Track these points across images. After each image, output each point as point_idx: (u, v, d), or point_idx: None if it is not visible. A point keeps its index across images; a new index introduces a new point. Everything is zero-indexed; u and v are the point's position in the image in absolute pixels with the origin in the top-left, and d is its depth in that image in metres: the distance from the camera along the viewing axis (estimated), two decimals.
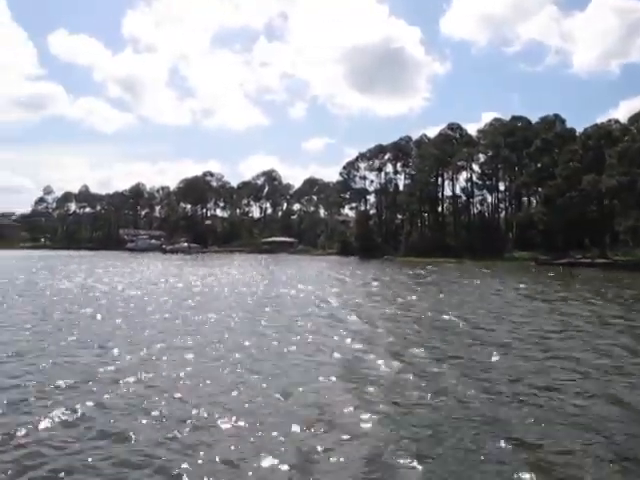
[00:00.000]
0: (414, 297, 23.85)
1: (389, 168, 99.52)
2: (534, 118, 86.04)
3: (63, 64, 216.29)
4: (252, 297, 23.40)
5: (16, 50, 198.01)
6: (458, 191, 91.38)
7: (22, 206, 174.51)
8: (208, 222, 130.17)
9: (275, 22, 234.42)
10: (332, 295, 24.35)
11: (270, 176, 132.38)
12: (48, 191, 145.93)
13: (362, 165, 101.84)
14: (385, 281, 34.61)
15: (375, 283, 32.49)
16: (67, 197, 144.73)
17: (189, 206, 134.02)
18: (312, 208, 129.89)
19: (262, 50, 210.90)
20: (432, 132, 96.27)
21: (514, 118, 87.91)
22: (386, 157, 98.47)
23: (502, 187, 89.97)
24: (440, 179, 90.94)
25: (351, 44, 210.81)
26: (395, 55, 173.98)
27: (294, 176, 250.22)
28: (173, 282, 31.14)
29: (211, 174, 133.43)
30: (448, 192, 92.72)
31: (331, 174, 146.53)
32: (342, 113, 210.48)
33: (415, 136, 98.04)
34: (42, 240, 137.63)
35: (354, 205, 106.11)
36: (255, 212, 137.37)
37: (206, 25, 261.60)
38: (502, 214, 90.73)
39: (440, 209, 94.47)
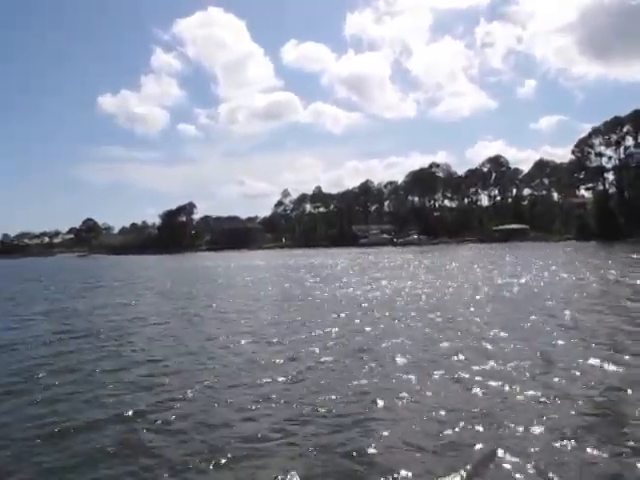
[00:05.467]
0: None
1: (629, 141, 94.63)
2: None
3: (294, 73, 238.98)
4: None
5: (255, 67, 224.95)
6: None
7: (264, 210, 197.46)
8: (437, 213, 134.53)
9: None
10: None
11: (497, 162, 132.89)
12: (286, 194, 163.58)
13: (596, 141, 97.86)
14: None
15: None
16: (302, 199, 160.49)
17: (417, 198, 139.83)
18: (544, 192, 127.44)
19: (484, 30, 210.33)
20: None
21: None
22: (624, 129, 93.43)
23: None
24: None
25: (583, 5, 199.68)
26: (636, 11, 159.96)
27: (523, 159, 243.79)
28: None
29: (437, 165, 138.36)
30: None
31: (564, 154, 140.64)
32: (576, 85, 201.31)
33: None
34: (283, 240, 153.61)
35: (590, 185, 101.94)
36: (483, 200, 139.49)
37: (425, 14, 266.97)
38: None
39: None
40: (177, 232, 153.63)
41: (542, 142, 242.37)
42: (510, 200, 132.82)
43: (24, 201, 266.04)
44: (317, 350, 11.42)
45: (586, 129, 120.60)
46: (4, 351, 12.95)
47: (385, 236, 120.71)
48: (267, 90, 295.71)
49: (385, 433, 6.69)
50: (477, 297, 19.80)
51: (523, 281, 24.89)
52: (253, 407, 7.88)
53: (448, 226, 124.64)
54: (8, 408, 8.32)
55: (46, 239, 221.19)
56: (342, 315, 16.40)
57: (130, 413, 7.85)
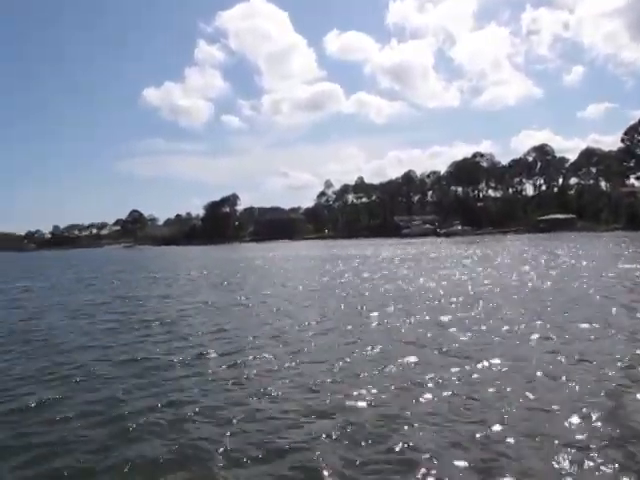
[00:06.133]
0: None
1: None
2: None
3: (337, 63, 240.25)
4: None
5: (298, 57, 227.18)
6: None
7: (307, 201, 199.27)
8: (480, 204, 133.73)
9: None
10: None
11: (542, 151, 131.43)
12: (328, 185, 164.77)
13: None
14: None
15: None
16: (345, 189, 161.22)
17: (460, 189, 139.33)
18: (591, 181, 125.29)
19: (530, 17, 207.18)
20: None
21: None
22: None
23: None
24: None
25: None
26: None
27: (569, 148, 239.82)
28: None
29: (481, 155, 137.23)
30: None
31: (613, 142, 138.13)
32: (626, 72, 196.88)
33: None
34: (325, 231, 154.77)
35: None
36: (528, 190, 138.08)
37: (469, 0, 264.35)
38: None
39: None
40: (221, 223, 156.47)
41: (589, 130, 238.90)
42: (556, 190, 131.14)
43: (73, 194, 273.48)
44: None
45: (636, 116, 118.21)
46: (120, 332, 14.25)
47: (428, 227, 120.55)
48: (310, 81, 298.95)
49: None
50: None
51: None
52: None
53: (492, 216, 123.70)
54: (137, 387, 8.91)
55: (94, 231, 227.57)
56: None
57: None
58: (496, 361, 9.38)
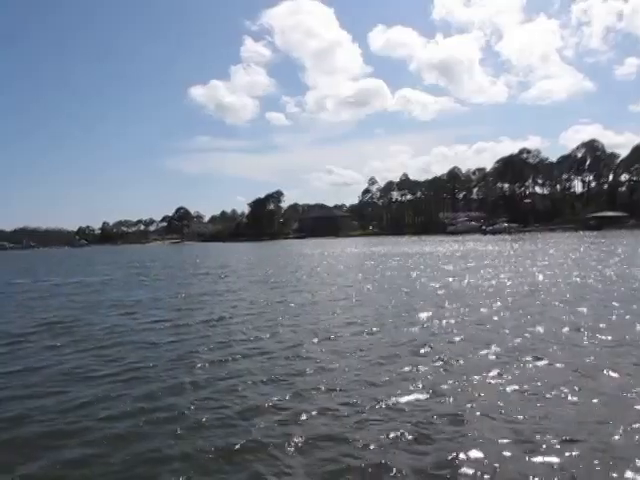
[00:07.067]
0: None
1: None
2: None
3: (382, 59, 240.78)
4: None
5: (343, 54, 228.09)
6: None
7: (351, 198, 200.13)
8: (527, 200, 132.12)
9: None
10: None
11: (592, 146, 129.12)
12: (372, 182, 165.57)
13: None
14: None
15: None
16: (389, 186, 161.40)
17: (506, 185, 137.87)
18: None
19: (581, 8, 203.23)
20: None
21: None
22: None
23: None
24: None
25: None
26: None
27: (621, 144, 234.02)
28: None
29: (528, 151, 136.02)
30: None
31: None
32: None
33: None
34: (370, 228, 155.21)
35: None
36: (577, 187, 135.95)
37: None
38: None
39: None
40: (265, 220, 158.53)
41: None
42: (606, 186, 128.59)
43: (121, 190, 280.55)
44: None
45: None
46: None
47: (473, 224, 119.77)
48: (355, 77, 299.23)
49: None
50: None
51: None
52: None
53: (538, 214, 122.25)
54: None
55: (142, 227, 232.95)
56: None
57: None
58: None
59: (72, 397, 8.09)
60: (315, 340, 11.42)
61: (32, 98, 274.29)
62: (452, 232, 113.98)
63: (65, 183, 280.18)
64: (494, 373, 8.30)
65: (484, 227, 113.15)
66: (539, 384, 7.64)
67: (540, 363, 8.79)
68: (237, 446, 6.11)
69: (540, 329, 11.44)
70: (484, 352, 9.63)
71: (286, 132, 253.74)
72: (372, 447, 5.95)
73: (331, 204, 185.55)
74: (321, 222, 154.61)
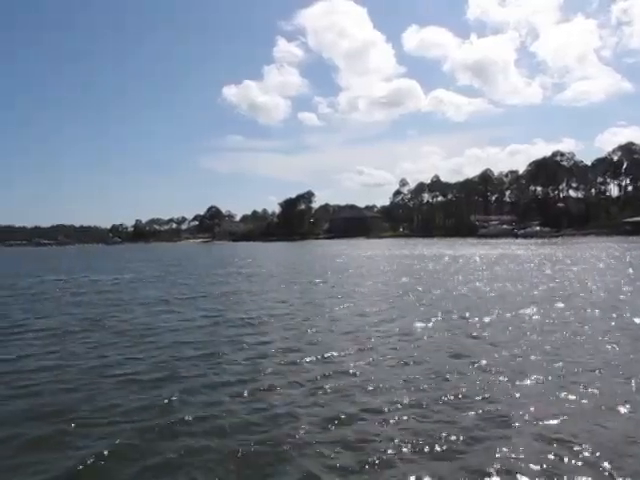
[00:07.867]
0: None
1: None
2: None
3: (416, 59, 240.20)
4: None
5: (376, 54, 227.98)
6: None
7: (382, 199, 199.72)
8: (561, 204, 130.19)
9: None
10: None
11: (629, 149, 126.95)
12: (403, 183, 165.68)
13: None
14: None
15: None
16: (421, 188, 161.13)
17: (539, 188, 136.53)
18: None
19: (621, 7, 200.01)
20: None
21: None
22: None
23: None
24: None
25: None
26: None
27: None
28: None
29: (561, 154, 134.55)
30: None
31: None
32: None
33: None
34: (400, 229, 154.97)
35: None
36: (613, 190, 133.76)
37: None
38: None
39: None
40: (296, 220, 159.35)
41: None
42: None
43: (154, 189, 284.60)
44: None
45: None
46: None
47: (505, 227, 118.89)
48: (388, 78, 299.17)
49: None
50: None
51: None
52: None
53: (572, 218, 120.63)
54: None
55: (173, 225, 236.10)
56: None
57: None
58: None
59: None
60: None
61: (70, 98, 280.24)
62: (483, 235, 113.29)
63: (101, 182, 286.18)
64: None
65: (516, 230, 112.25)
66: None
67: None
68: (284, 446, 6.18)
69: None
70: None
71: (318, 132, 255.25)
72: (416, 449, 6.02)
73: (362, 205, 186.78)
74: (351, 223, 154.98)
